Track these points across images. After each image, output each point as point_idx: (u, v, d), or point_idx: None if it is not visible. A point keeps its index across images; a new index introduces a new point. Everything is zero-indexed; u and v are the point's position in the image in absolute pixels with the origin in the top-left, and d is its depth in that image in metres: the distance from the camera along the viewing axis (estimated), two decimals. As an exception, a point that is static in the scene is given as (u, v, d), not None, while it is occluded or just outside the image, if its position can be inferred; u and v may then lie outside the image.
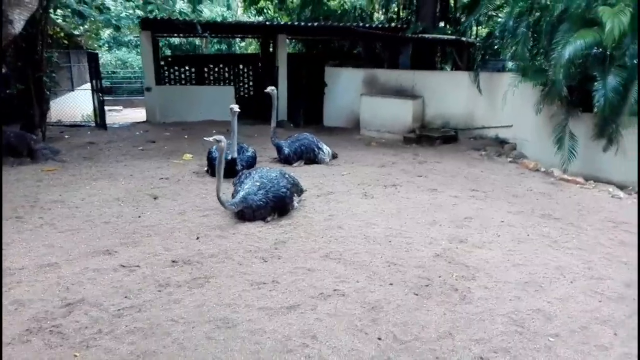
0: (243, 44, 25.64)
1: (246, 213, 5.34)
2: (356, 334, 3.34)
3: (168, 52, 25.39)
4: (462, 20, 10.95)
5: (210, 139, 5.05)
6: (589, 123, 8.17)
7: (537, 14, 9.37)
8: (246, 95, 15.87)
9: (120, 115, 21.30)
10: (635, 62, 7.81)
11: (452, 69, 12.10)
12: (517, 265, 4.43)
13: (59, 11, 11.00)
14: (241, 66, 15.96)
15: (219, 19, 25.11)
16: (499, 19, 9.27)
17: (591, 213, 6.03)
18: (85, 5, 7.84)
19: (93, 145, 9.34)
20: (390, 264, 4.43)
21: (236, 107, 6.72)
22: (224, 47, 27.16)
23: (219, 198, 5.09)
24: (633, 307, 3.74)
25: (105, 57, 29.02)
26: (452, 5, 12.92)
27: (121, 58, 29.80)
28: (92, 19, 7.90)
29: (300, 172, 7.64)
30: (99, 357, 3.07)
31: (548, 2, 9.11)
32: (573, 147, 8.30)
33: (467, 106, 10.83)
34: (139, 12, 9.88)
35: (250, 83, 16.05)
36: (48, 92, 10.09)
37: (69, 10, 7.70)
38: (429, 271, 4.29)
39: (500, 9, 8.88)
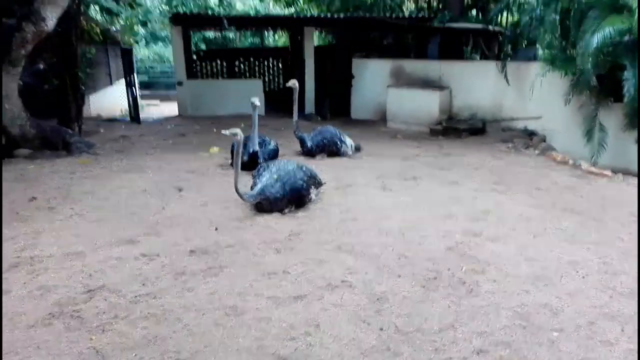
0: (275, 37, 25.79)
1: (264, 205, 5.48)
2: (359, 324, 3.43)
3: (203, 47, 25.89)
4: (491, 8, 10.69)
5: (227, 132, 5.21)
6: (620, 114, 7.92)
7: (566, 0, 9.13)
8: (276, 89, 16.07)
9: (158, 109, 21.87)
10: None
11: (480, 59, 11.87)
12: (529, 259, 4.40)
13: (95, 7, 11.49)
14: (271, 59, 16.16)
15: (251, 12, 25.45)
16: (527, 6, 9.01)
17: (615, 207, 5.89)
18: (116, 2, 8.14)
19: (125, 139, 9.71)
20: (401, 256, 4.48)
21: (257, 101, 6.84)
22: (257, 40, 27.37)
23: (237, 190, 5.25)
24: (645, 303, 3.69)
25: (143, 52, 29.81)
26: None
27: (158, 53, 30.51)
28: (121, 15, 8.12)
29: (321, 165, 7.75)
30: (113, 341, 3.26)
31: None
32: (603, 138, 8.09)
33: (495, 97, 10.66)
34: (165, 7, 10.13)
35: (280, 76, 16.23)
36: (83, 87, 10.51)
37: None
38: (439, 264, 4.32)
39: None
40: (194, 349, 3.16)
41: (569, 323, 3.44)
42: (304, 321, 3.45)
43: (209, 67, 15.59)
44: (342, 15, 13.52)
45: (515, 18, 10.87)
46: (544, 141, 9.63)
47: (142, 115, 17.67)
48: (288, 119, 12.20)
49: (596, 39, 7.45)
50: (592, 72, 7.94)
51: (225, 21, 10.65)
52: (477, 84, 10.88)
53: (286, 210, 5.54)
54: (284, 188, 5.44)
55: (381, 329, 3.37)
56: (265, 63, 16.01)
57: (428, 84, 11.47)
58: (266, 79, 15.69)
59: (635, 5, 7.08)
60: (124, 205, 5.86)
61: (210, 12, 11.38)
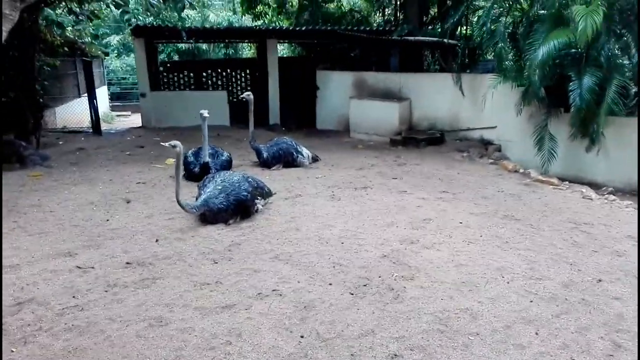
0: (249, 48, 25.90)
1: (208, 216, 5.51)
2: (281, 332, 3.47)
3: (176, 57, 25.82)
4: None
5: (167, 144, 5.24)
6: (570, 123, 8.17)
7: (516, 13, 9.42)
8: (243, 100, 16.07)
9: (128, 120, 21.71)
10: (610, 61, 7.84)
11: (439, 71, 12.12)
12: (459, 265, 4.51)
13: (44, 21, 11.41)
14: (239, 71, 16.16)
15: (225, 24, 25.52)
16: (479, 20, 9.27)
17: (555, 214, 6.07)
18: (73, 16, 8.12)
19: (82, 151, 9.62)
20: (335, 264, 4.55)
21: (205, 113, 6.90)
22: (231, 51, 27.40)
23: (178, 202, 5.27)
24: (563, 307, 3.81)
25: (114, 64, 29.60)
26: (437, 7, 12.97)
27: (130, 64, 30.27)
28: (73, 27, 8.10)
29: (275, 175, 7.82)
30: (33, 352, 3.26)
31: (525, 3, 9.16)
32: (553, 147, 8.33)
33: (452, 108, 10.87)
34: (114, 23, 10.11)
35: (248, 87, 16.25)
36: (42, 100, 10.41)
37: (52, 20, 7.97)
38: (371, 271, 4.40)
39: (479, 11, 8.91)
40: (112, 360, 3.17)
41: (486, 327, 3.54)
42: (227, 331, 3.48)
43: (176, 79, 15.51)
44: (303, 28, 13.63)
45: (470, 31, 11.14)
46: (499, 150, 9.86)
47: (109, 127, 17.60)
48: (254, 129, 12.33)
49: (542, 52, 7.71)
50: (540, 84, 8.22)
51: (183, 33, 10.69)
52: (435, 95, 11.09)
53: (231, 221, 5.57)
54: (227, 199, 5.48)
55: (302, 337, 3.42)
56: (233, 74, 15.99)
57: (389, 95, 11.65)
58: (234, 90, 15.69)
59: (578, 18, 7.32)
60: (68, 217, 5.83)
61: (171, 24, 11.31)
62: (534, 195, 6.93)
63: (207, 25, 23.99)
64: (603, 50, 7.86)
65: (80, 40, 17.56)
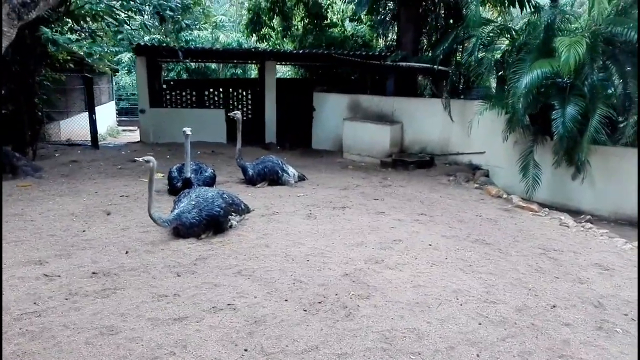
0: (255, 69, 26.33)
1: (181, 230, 5.63)
2: (226, 345, 3.54)
3: (185, 76, 26.36)
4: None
5: (141, 159, 5.39)
6: (554, 151, 8.24)
7: (505, 42, 9.58)
8: (244, 118, 16.33)
9: (133, 135, 22.11)
10: (593, 91, 7.93)
11: (431, 96, 12.28)
12: (417, 286, 4.56)
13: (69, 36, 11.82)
14: (240, 90, 16.47)
15: (234, 44, 26.05)
16: (468, 48, 9.44)
17: (526, 240, 6.10)
18: (71, 34, 8.44)
19: (75, 164, 9.84)
20: (296, 281, 4.62)
21: (188, 130, 7.06)
22: (239, 71, 27.87)
23: (150, 215, 5.39)
24: (511, 330, 3.84)
25: (125, 80, 30.26)
26: (428, 35, 13.22)
27: (140, 81, 30.88)
28: (67, 45, 8.40)
29: (258, 193, 7.95)
30: (-17, 356, 3.35)
31: (515, 33, 9.32)
32: (537, 174, 8.40)
33: (442, 132, 11.00)
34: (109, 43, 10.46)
35: (249, 107, 16.54)
36: (40, 113, 10.69)
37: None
38: (329, 289, 4.46)
39: (473, 39, 9.08)
40: (55, 366, 3.26)
41: (429, 347, 3.58)
42: (174, 342, 3.55)
43: (178, 97, 15.84)
44: (300, 51, 13.94)
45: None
46: (487, 175, 9.93)
47: (113, 141, 17.94)
48: (249, 147, 12.53)
49: (525, 81, 7.84)
50: (524, 112, 8.32)
51: (180, 53, 10.98)
52: (426, 119, 11.23)
53: (203, 236, 5.68)
54: (200, 214, 5.59)
55: (246, 350, 3.48)
56: (235, 94, 16.30)
57: (382, 118, 11.81)
58: (234, 109, 15.96)
59: (561, 49, 7.45)
60: (47, 227, 5.97)
61: (178, 44, 11.65)
62: (510, 221, 6.96)
63: (219, 46, 24.56)
64: (587, 80, 7.97)
65: (95, 57, 18.07)
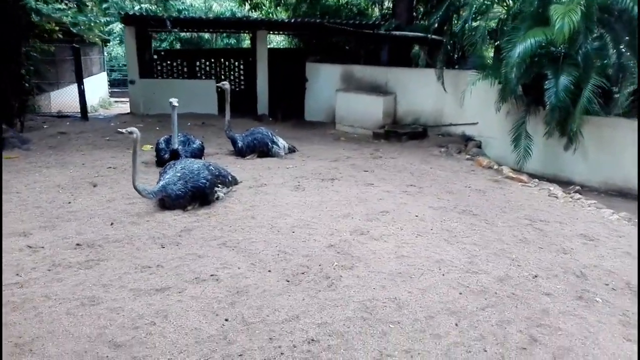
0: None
1: (166, 202, 5.61)
2: (207, 315, 3.56)
3: (178, 46, 25.99)
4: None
5: (124, 130, 5.32)
6: (545, 121, 8.17)
7: (500, 10, 9.39)
8: (237, 89, 16.16)
9: (125, 106, 21.89)
10: (587, 61, 7.83)
11: (426, 67, 12.11)
12: (400, 256, 4.57)
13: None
14: (232, 60, 16.23)
15: (228, 14, 25.61)
16: (462, 16, 9.26)
17: (513, 210, 6.10)
18: (61, 3, 8.25)
19: (63, 135, 9.75)
20: (280, 252, 4.62)
21: (175, 101, 6.96)
22: (232, 41, 27.43)
23: (135, 187, 5.35)
24: (491, 300, 3.86)
25: (117, 51, 29.79)
26: (426, 2, 12.95)
27: (132, 51, 30.39)
28: (51, 15, 8.21)
29: (247, 165, 7.91)
30: (-37, 327, 3.36)
31: (508, 1, 9.13)
32: (529, 145, 8.35)
33: (436, 103, 10.89)
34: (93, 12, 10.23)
35: (242, 77, 16.32)
36: (28, 85, 10.53)
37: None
38: (313, 260, 4.47)
39: (463, 8, 8.91)
40: (36, 335, 3.27)
41: (409, 316, 3.61)
42: (155, 312, 3.57)
43: (169, 67, 15.61)
44: (292, 20, 13.68)
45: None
46: (479, 147, 9.88)
47: (105, 112, 17.78)
48: (240, 119, 12.43)
49: (518, 50, 7.71)
50: (517, 82, 8.22)
51: (167, 22, 10.78)
52: (420, 90, 11.10)
53: (189, 208, 5.66)
54: (186, 186, 5.57)
55: (226, 320, 3.50)
56: (226, 64, 16.07)
57: (375, 89, 11.68)
58: (226, 79, 15.77)
59: (555, 17, 7.30)
60: (32, 199, 5.94)
61: (168, 13, 11.43)
62: (499, 192, 6.96)
63: (211, 15, 24.11)
64: (581, 49, 7.85)
65: (83, 27, 17.73)
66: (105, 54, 28.03)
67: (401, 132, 10.59)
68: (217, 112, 13.16)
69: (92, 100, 21.65)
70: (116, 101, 24.57)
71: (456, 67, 11.39)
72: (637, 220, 5.81)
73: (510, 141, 8.58)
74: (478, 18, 8.98)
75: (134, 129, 5.36)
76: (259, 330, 3.40)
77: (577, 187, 7.26)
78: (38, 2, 7.73)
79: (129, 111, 13.50)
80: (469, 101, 9.83)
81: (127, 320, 3.46)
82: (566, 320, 3.64)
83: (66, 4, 10.26)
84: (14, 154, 8.03)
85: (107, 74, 27.49)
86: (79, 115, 12.92)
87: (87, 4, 9.83)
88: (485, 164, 8.55)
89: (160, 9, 11.41)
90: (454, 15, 10.60)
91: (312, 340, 3.30)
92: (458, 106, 10.36)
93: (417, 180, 7.34)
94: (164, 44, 25.15)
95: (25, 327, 3.35)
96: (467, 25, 9.07)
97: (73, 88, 16.88)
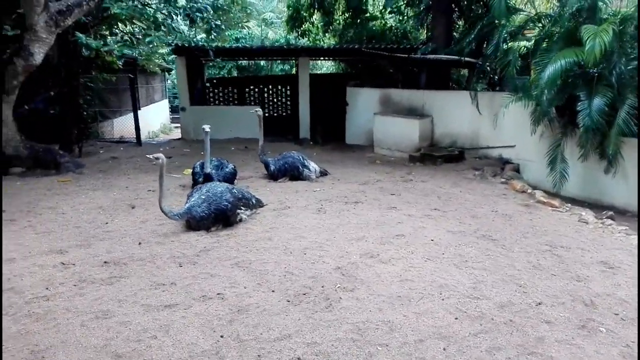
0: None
1: (192, 223, 5.96)
2: (205, 331, 3.78)
3: (235, 73, 27.16)
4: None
5: (151, 156, 5.74)
6: (579, 144, 7.93)
7: (535, 32, 9.27)
8: (283, 114, 16.70)
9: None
10: (622, 81, 7.57)
11: (463, 89, 12.04)
12: (404, 280, 4.62)
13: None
14: (280, 87, 16.82)
15: (282, 41, 26.56)
16: (494, 39, 9.21)
17: (536, 236, 5.97)
18: (113, 37, 9.06)
19: (115, 160, 10.49)
20: (287, 273, 4.80)
21: (207, 127, 7.38)
22: (287, 67, 28.27)
23: (161, 208, 5.74)
24: (486, 326, 3.85)
25: (179, 79, 31.49)
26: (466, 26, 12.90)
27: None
28: (99, 48, 9.00)
29: (277, 188, 8.20)
30: (-8, 334, 3.78)
31: (543, 22, 9.01)
32: (564, 168, 8.11)
33: (472, 126, 10.80)
34: (128, 49, 11.01)
35: (288, 103, 16.87)
36: (86, 114, 11.47)
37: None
38: (318, 281, 4.62)
39: (496, 30, 8.88)
40: (50, 344, 3.62)
41: (399, 339, 3.67)
42: (159, 326, 3.84)
43: (221, 94, 16.41)
44: (332, 47, 14.08)
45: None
46: (517, 170, 9.67)
47: (165, 137, 18.86)
48: (282, 143, 12.88)
49: (548, 72, 7.60)
50: (550, 103, 8.07)
51: (210, 52, 11.42)
52: (456, 113, 11.05)
53: (213, 228, 5.98)
54: (209, 208, 5.90)
55: (222, 336, 3.71)
56: (275, 90, 16.68)
57: (412, 112, 11.74)
58: (272, 105, 16.39)
59: (586, 38, 7.17)
60: (74, 219, 6.48)
61: (211, 44, 12.14)
62: (526, 217, 6.81)
63: (267, 43, 25.08)
64: (615, 69, 7.61)
65: (141, 58, 18.99)
66: (169, 82, 29.73)
67: (437, 155, 10.56)
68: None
69: (153, 126, 23.06)
70: (176, 127, 25.94)
71: (497, 89, 11.26)
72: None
73: (545, 164, 8.38)
74: (509, 40, 8.89)
75: (160, 154, 5.76)
76: (250, 347, 3.58)
77: (610, 213, 6.96)
78: (88, 38, 8.48)
79: (180, 137, 14.23)
80: (506, 124, 9.69)
81: (133, 333, 3.75)
82: (561, 349, 3.57)
83: (121, 38, 11.10)
84: (67, 178, 8.76)
85: (170, 101, 29.09)
86: (135, 141, 13.82)
87: (137, 37, 10.59)
88: (518, 187, 8.37)
89: (206, 39, 12.10)
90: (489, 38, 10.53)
91: (299, 358, 3.44)
92: (494, 128, 10.23)
93: (442, 204, 7.32)
94: (223, 72, 26.33)
95: (43, 337, 3.71)
96: (499, 47, 9.00)
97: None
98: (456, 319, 3.96)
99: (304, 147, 12.75)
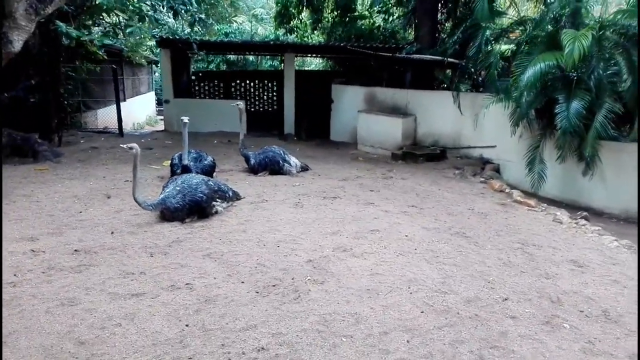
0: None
1: (166, 214, 5.93)
2: (171, 320, 3.77)
3: (224, 67, 27.01)
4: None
5: (125, 146, 5.70)
6: (557, 146, 8.03)
7: (513, 36, 9.36)
8: (269, 109, 16.68)
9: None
10: (600, 85, 7.67)
11: (446, 89, 12.13)
12: (374, 274, 4.64)
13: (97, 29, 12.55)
14: (266, 82, 16.79)
15: (272, 36, 26.48)
16: (476, 41, 9.28)
17: (509, 234, 6.04)
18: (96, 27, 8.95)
19: (95, 150, 10.39)
20: (259, 265, 4.80)
21: (186, 119, 7.35)
22: (275, 63, 28.19)
23: (135, 199, 5.70)
24: (451, 320, 3.88)
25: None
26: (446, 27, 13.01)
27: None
28: (79, 38, 8.91)
29: (256, 181, 8.19)
30: (-46, 319, 3.73)
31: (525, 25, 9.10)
32: (542, 169, 8.21)
33: (454, 125, 10.88)
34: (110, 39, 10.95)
35: (274, 98, 16.85)
36: (67, 103, 11.33)
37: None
38: (289, 274, 4.62)
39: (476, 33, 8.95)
40: (13, 329, 3.58)
41: (364, 331, 3.68)
42: (124, 315, 3.82)
43: (206, 88, 16.34)
44: (317, 44, 14.11)
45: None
46: (497, 170, 9.77)
47: (150, 129, 18.72)
48: (266, 138, 12.85)
49: (527, 75, 7.68)
50: (529, 106, 8.16)
51: (194, 45, 11.37)
52: (439, 112, 11.13)
53: (187, 220, 5.96)
54: (184, 199, 5.87)
55: (187, 325, 3.70)
56: (261, 85, 16.65)
57: (396, 110, 11.80)
58: (256, 99, 16.37)
59: (566, 42, 7.26)
60: (48, 208, 6.41)
61: (197, 38, 12.08)
62: (501, 215, 6.88)
63: (257, 39, 24.99)
64: (593, 74, 7.72)
65: (126, 49, 18.82)
66: (156, 74, 29.51)
67: (419, 153, 10.63)
68: (246, 131, 13.60)
69: (139, 118, 22.87)
70: (162, 119, 25.78)
71: (480, 90, 11.34)
72: (637, 248, 5.63)
73: (525, 165, 8.47)
74: (492, 42, 8.97)
75: (134, 144, 5.72)
76: (215, 336, 3.58)
77: (585, 213, 7.06)
78: (68, 27, 8.38)
79: (163, 129, 14.14)
80: (487, 124, 9.78)
81: (97, 320, 3.72)
82: (523, 344, 3.61)
83: (104, 28, 10.98)
84: (45, 166, 8.65)
85: (157, 94, 28.86)
86: (117, 132, 13.69)
87: (122, 27, 10.48)
88: (497, 187, 8.46)
89: (201, 32, 12.06)
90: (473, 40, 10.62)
91: (262, 348, 3.44)
92: (475, 129, 10.32)
93: (420, 201, 7.37)
94: (212, 66, 26.20)
95: (6, 322, 3.66)
96: (482, 49, 9.08)
97: (121, 106, 17.97)
98: (422, 312, 3.99)
99: (288, 142, 12.75)
